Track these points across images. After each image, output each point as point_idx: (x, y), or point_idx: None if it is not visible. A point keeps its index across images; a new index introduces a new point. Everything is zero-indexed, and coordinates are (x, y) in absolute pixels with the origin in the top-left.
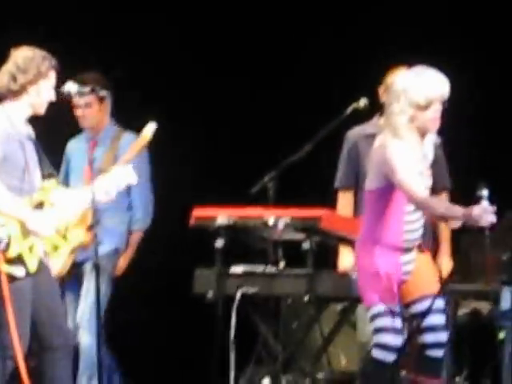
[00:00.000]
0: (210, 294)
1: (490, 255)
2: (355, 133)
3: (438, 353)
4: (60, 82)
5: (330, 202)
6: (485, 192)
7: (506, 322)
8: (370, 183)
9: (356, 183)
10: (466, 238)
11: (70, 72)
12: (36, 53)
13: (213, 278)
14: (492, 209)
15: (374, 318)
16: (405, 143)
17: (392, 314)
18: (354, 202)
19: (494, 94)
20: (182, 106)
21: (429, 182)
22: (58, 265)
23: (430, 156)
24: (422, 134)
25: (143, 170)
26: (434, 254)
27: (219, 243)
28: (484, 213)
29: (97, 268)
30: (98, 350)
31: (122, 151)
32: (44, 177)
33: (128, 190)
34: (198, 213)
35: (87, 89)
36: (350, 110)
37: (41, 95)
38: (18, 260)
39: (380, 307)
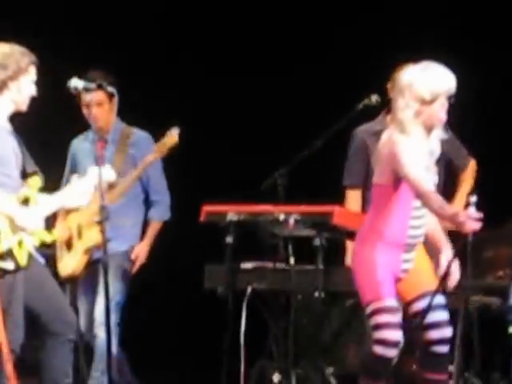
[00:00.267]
0: (221, 290)
1: (500, 251)
2: (363, 130)
3: (444, 349)
4: (66, 79)
5: (340, 198)
6: (473, 199)
7: None
8: (377, 178)
9: (364, 181)
10: (474, 233)
11: (73, 70)
12: (14, 49)
13: (223, 273)
14: (478, 216)
15: (372, 314)
16: (411, 138)
17: (390, 309)
18: (363, 199)
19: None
20: (193, 103)
21: (435, 178)
22: (73, 264)
23: (437, 152)
24: (428, 129)
25: (157, 164)
26: None
27: (229, 239)
28: (469, 219)
29: (105, 265)
30: (108, 345)
31: (132, 150)
32: (28, 174)
33: (142, 188)
34: (209, 209)
35: (94, 85)
36: (360, 106)
37: (22, 91)
38: (8, 255)
39: (378, 304)
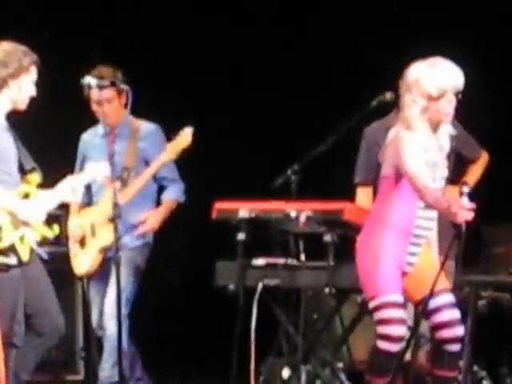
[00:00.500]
0: (232, 286)
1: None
2: (374, 128)
3: (455, 347)
4: (77, 76)
5: (352, 195)
6: (466, 189)
7: None
8: (385, 170)
9: (375, 178)
10: (487, 229)
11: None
12: (17, 47)
13: (234, 270)
14: (471, 206)
15: (375, 309)
16: (417, 135)
17: (394, 304)
18: (374, 196)
19: None
20: (205, 102)
21: (445, 172)
22: (88, 262)
23: (447, 147)
24: (436, 125)
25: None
26: None
27: (241, 236)
28: (461, 209)
29: (117, 261)
30: (118, 339)
31: (142, 143)
32: (27, 171)
33: (153, 185)
34: (220, 206)
35: (107, 82)
36: (374, 102)
37: (22, 90)
38: (11, 250)
39: (382, 298)
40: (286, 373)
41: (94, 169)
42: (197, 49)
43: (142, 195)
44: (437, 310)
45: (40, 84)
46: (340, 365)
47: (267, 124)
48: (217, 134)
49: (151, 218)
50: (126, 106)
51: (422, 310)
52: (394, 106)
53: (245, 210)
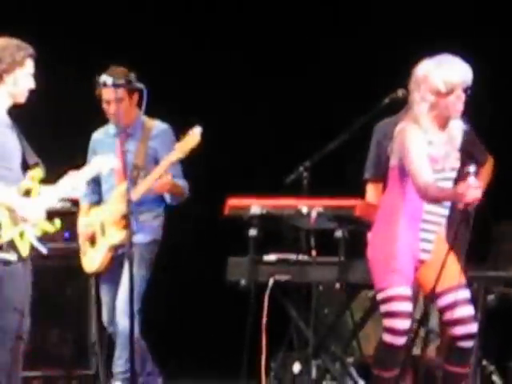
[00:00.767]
0: (244, 282)
1: None
2: (385, 124)
3: (468, 344)
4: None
5: (364, 192)
6: (472, 168)
7: None
8: (392, 162)
9: (385, 174)
10: (497, 226)
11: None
12: (10, 42)
13: (246, 265)
14: (478, 184)
15: (383, 302)
16: (422, 130)
17: (401, 298)
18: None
19: None
20: (218, 95)
21: (455, 164)
22: (98, 260)
23: (458, 139)
24: (445, 120)
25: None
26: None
27: (252, 232)
28: (469, 189)
29: (130, 258)
30: (130, 334)
31: (153, 142)
32: (29, 167)
33: None
34: (233, 202)
35: (122, 80)
36: (387, 100)
37: (18, 84)
38: (10, 246)
39: (390, 291)
40: (296, 367)
41: (99, 161)
42: (210, 45)
43: (151, 193)
44: (451, 306)
45: (47, 82)
46: (350, 359)
47: (280, 120)
48: (230, 131)
49: (166, 179)
50: (138, 105)
51: (430, 297)
52: (405, 103)
53: (257, 206)
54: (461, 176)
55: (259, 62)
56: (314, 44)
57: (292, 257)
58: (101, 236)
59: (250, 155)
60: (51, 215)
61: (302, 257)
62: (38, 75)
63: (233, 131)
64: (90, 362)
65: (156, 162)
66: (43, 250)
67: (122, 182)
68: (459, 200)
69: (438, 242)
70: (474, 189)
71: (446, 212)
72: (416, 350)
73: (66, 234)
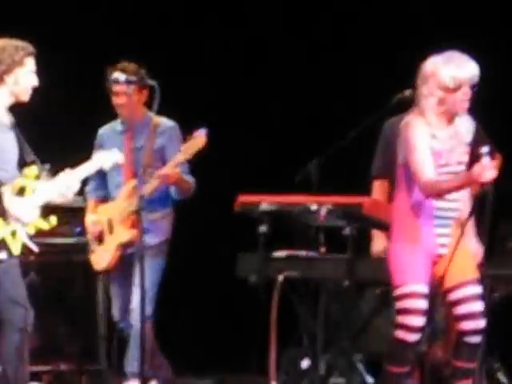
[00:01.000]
0: (253, 278)
1: None
2: (393, 122)
3: (476, 339)
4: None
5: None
6: (485, 149)
7: None
8: (400, 158)
9: (392, 172)
10: (503, 224)
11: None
12: (8, 43)
13: (256, 262)
14: (493, 164)
15: (398, 298)
16: (426, 122)
17: (416, 295)
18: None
19: None
20: (230, 93)
21: (462, 158)
22: (106, 258)
23: (466, 134)
24: (451, 116)
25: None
26: None
27: (262, 228)
28: (484, 169)
29: (141, 256)
30: (141, 334)
31: (160, 139)
32: (26, 165)
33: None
34: (243, 199)
35: (135, 77)
36: (395, 99)
37: (19, 83)
38: (1, 245)
39: (405, 288)
40: (305, 363)
41: (101, 157)
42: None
43: (159, 193)
44: (461, 300)
45: (51, 80)
46: (358, 356)
47: (290, 118)
48: (240, 128)
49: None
50: (146, 103)
51: (437, 287)
52: (412, 103)
53: (266, 203)
54: (475, 158)
55: (272, 60)
56: (325, 39)
57: (301, 253)
58: (108, 234)
59: (261, 153)
60: (59, 210)
61: (312, 254)
62: (40, 73)
63: (244, 129)
64: (100, 356)
65: (163, 158)
66: (35, 248)
67: (130, 180)
68: (474, 181)
69: (454, 235)
70: (488, 169)
71: (457, 206)
72: (422, 347)
73: (78, 229)
